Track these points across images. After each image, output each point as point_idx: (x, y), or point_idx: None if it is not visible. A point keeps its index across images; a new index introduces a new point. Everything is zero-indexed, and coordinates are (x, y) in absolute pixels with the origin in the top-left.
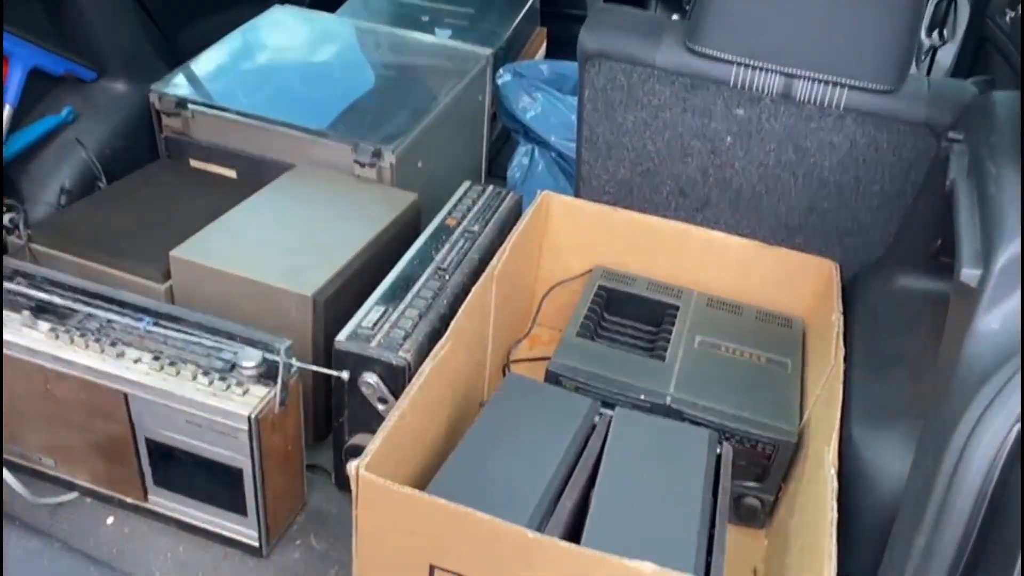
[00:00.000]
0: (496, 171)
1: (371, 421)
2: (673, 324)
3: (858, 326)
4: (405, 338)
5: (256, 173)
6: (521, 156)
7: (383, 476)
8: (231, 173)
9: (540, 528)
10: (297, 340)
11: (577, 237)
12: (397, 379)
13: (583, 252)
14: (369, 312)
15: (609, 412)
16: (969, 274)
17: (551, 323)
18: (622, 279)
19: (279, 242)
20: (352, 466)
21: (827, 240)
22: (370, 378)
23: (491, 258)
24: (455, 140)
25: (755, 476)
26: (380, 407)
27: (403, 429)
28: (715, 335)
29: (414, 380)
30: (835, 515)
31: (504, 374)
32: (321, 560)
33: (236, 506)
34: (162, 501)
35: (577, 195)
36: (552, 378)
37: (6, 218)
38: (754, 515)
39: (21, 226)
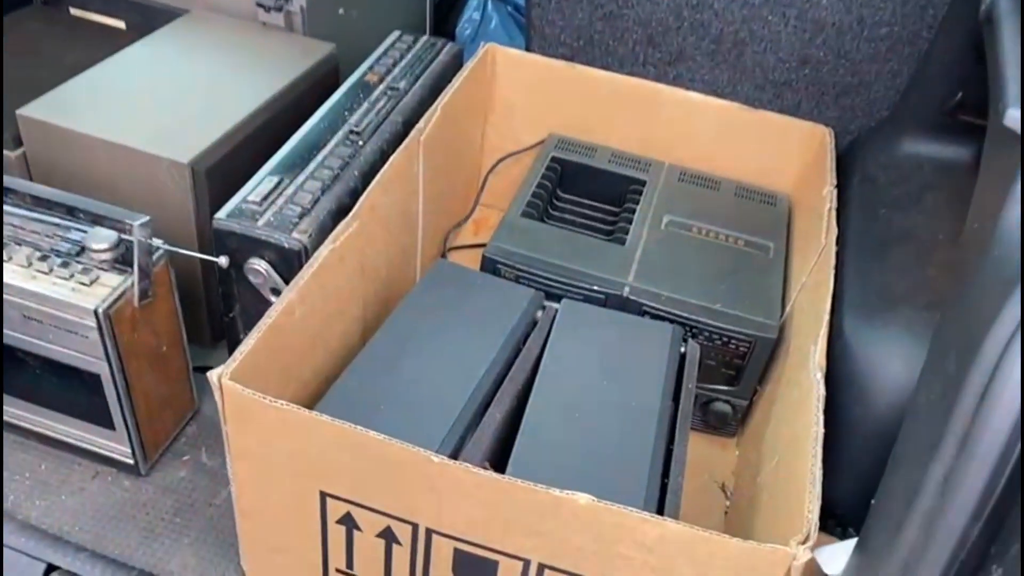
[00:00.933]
0: (447, 32)
1: None
2: (638, 202)
3: (855, 201)
4: (302, 216)
5: (148, 24)
6: (472, 10)
7: (260, 386)
8: (119, 23)
9: (462, 444)
10: (177, 220)
11: (528, 99)
12: (292, 266)
13: (535, 117)
14: (259, 184)
15: (554, 305)
16: (1015, 116)
17: (499, 204)
18: (579, 149)
19: (157, 100)
20: (213, 375)
21: (821, 100)
22: (258, 265)
23: (419, 120)
24: None
25: (727, 379)
26: (274, 300)
27: (290, 327)
28: (686, 215)
29: (306, 267)
30: (821, 429)
31: None
32: (212, 478)
33: (100, 418)
34: (17, 412)
35: (528, 48)
36: (489, 265)
37: None
38: (724, 422)
39: None
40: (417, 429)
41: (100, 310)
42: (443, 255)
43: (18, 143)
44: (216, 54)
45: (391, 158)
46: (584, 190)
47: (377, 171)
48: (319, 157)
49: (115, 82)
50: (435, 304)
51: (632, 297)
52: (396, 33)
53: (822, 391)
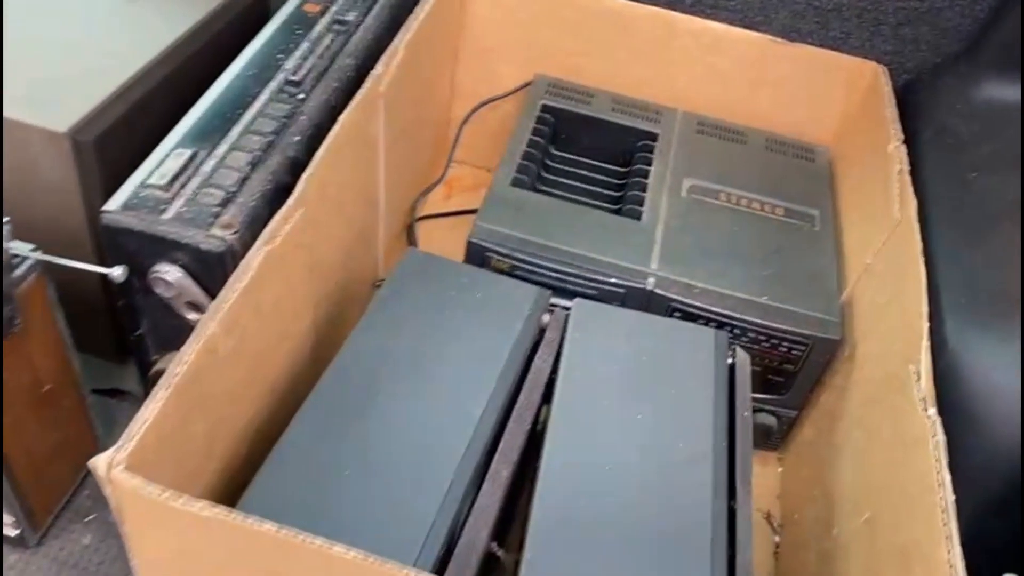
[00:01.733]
0: None
1: (183, 334)
2: (650, 162)
3: (929, 160)
4: (225, 202)
5: None
6: None
7: (171, 469)
8: None
9: (460, 520)
10: (58, 211)
11: (509, 32)
12: (214, 272)
13: (519, 54)
14: (165, 160)
15: (564, 305)
16: None
17: (475, 159)
18: (573, 95)
19: (25, 47)
20: (99, 462)
21: (876, 30)
22: (167, 273)
23: (375, 64)
24: None
25: (774, 386)
26: (191, 316)
27: (212, 371)
28: (711, 177)
29: (232, 279)
30: (950, 494)
31: (409, 240)
32: (124, 544)
33: None
34: None
35: None
36: (476, 254)
37: None
38: (768, 436)
39: None
40: (399, 506)
41: None
42: (409, 228)
43: None
44: None
45: (342, 116)
46: (583, 146)
47: (325, 134)
48: (246, 119)
49: None
50: (409, 314)
51: (658, 291)
52: None
53: (941, 436)
